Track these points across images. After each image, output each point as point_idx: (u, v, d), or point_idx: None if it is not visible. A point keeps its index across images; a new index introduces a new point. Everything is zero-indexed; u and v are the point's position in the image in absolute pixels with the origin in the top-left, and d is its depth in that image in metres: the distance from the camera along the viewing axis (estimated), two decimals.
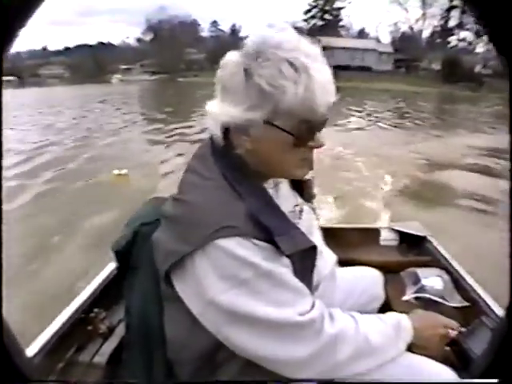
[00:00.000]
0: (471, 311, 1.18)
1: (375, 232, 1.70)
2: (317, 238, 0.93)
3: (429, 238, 1.61)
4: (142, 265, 0.83)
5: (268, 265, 0.65)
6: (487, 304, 1.15)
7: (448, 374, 0.79)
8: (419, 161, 7.29)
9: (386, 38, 59.60)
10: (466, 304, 1.24)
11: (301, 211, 0.89)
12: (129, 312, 0.88)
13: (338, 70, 40.88)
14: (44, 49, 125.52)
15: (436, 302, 1.26)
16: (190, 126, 10.54)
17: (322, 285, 0.90)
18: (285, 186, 0.88)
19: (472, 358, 0.93)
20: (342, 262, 1.15)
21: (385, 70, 42.28)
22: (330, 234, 1.13)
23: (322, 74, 0.66)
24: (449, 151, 8.02)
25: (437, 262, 1.47)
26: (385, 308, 1.16)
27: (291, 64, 0.64)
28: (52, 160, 7.58)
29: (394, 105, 18.66)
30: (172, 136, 9.65)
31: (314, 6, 54.24)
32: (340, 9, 55.88)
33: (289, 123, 0.67)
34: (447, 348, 0.87)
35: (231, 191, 0.69)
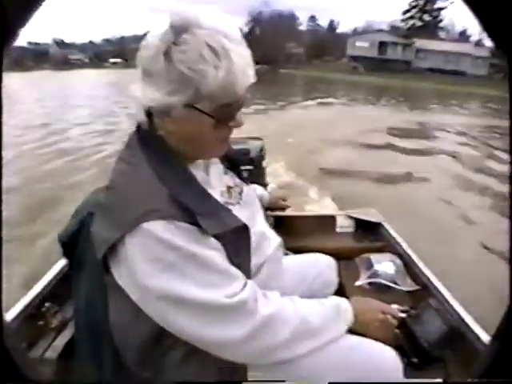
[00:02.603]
0: (421, 294, 1.22)
1: (331, 219, 1.72)
2: (260, 220, 0.95)
3: (383, 224, 1.66)
4: (87, 256, 0.81)
5: (192, 247, 0.64)
6: (435, 287, 1.20)
7: (389, 353, 0.82)
8: None
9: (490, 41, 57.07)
10: (417, 287, 1.29)
11: (240, 192, 0.89)
12: (77, 304, 0.87)
13: (430, 72, 41.59)
14: (146, 34, 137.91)
15: (388, 286, 1.29)
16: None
17: (266, 266, 0.88)
18: (217, 168, 0.89)
19: (419, 340, 0.95)
20: (298, 250, 1.18)
21: (480, 75, 41.49)
22: (285, 222, 1.21)
23: (242, 58, 0.66)
24: None
25: (390, 247, 1.52)
26: (338, 294, 1.16)
27: (211, 48, 0.63)
28: None
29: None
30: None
31: (414, 6, 52.41)
32: (441, 9, 53.53)
33: (209, 106, 0.67)
34: (397, 330, 0.90)
35: (154, 175, 0.68)
